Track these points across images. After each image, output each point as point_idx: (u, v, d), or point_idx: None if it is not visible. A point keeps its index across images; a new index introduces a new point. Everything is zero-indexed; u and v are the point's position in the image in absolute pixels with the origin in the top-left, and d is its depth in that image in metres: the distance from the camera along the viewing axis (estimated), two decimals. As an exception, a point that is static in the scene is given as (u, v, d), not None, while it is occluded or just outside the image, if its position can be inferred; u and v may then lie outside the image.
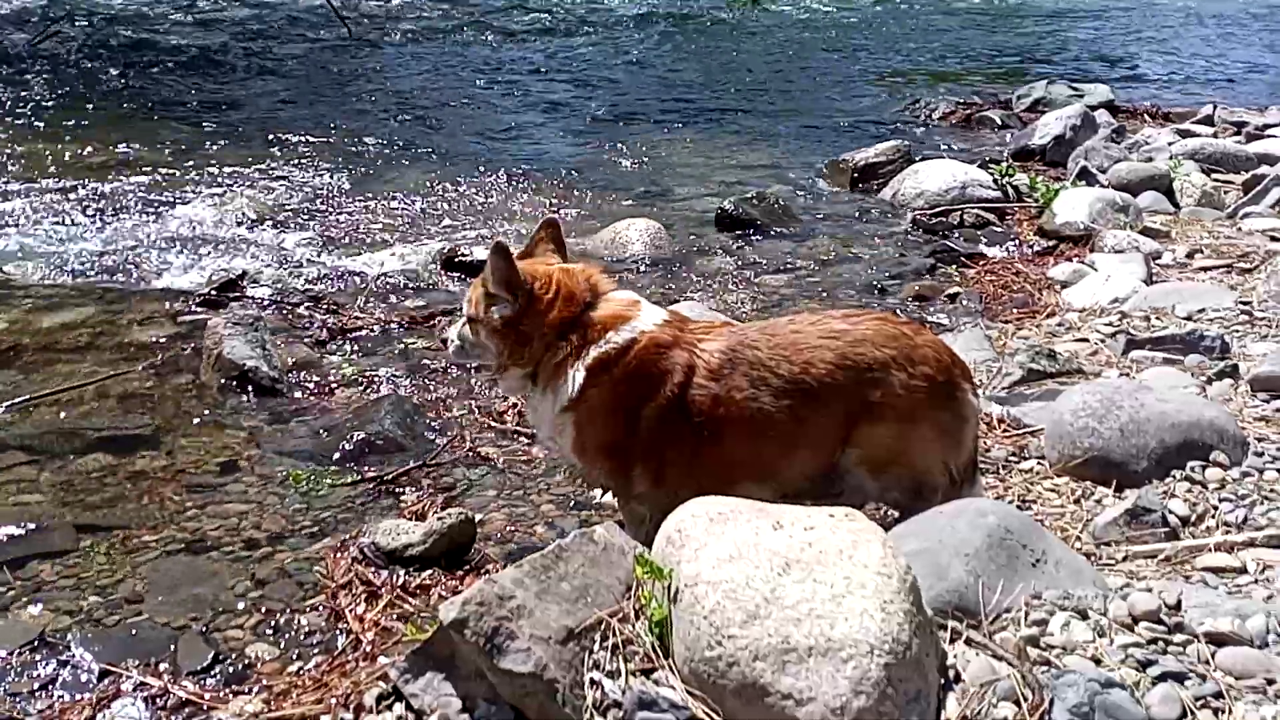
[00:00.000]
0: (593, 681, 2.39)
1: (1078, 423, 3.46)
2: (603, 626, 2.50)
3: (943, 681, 2.26)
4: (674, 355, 2.99)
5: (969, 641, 2.38)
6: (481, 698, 2.42)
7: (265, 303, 5.62)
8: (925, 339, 3.05)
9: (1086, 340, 4.81)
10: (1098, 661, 2.29)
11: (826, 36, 17.05)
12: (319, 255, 6.50)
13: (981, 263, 6.59)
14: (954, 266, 6.56)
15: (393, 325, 5.42)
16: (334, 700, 2.55)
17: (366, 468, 3.98)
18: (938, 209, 7.63)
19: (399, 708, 2.51)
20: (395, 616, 2.98)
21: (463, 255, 6.34)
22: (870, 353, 2.92)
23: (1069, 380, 4.25)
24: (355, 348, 5.16)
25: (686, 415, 2.96)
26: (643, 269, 6.44)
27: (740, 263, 6.61)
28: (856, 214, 7.74)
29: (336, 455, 4.06)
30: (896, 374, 2.91)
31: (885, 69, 14.28)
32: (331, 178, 8.28)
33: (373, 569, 3.20)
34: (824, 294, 6.08)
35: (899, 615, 2.23)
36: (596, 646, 2.47)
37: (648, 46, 15.56)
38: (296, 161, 8.62)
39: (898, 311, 5.69)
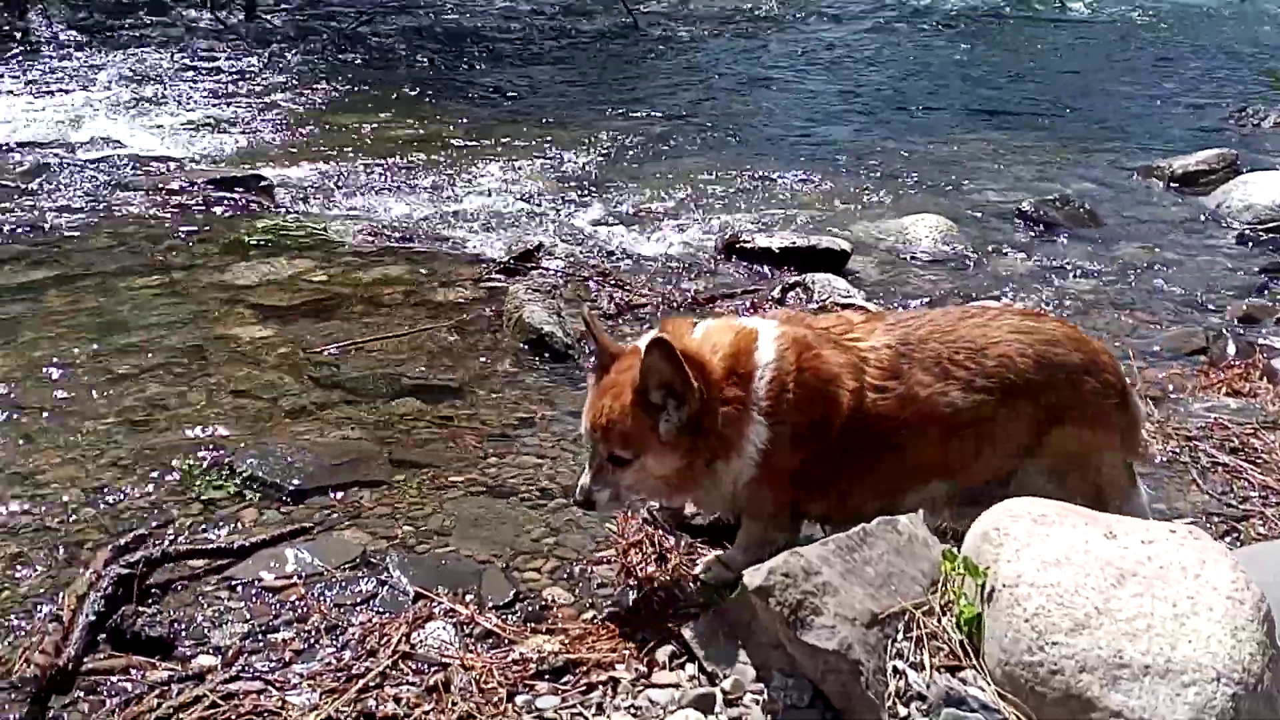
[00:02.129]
0: (896, 670, 2.31)
1: None
2: (906, 617, 2.42)
3: (1304, 728, 2.00)
4: (829, 354, 2.74)
5: (1339, 690, 2.08)
6: (777, 669, 2.39)
7: (558, 273, 5.87)
8: (1099, 344, 3.04)
9: None
10: None
11: (1141, 36, 15.68)
12: (606, 232, 6.72)
13: (1325, 286, 5.83)
14: (1289, 288, 5.84)
15: (674, 305, 5.50)
16: (628, 652, 2.60)
17: (652, 436, 4.04)
18: (1272, 224, 6.83)
19: (691, 668, 2.54)
20: (681, 580, 3.01)
21: (744, 242, 6.32)
22: (1066, 355, 2.83)
23: None
24: (640, 323, 5.28)
25: (867, 423, 2.71)
26: (932, 266, 6.19)
27: (1040, 265, 6.21)
28: (1171, 223, 7.06)
29: (623, 422, 4.15)
30: (1088, 379, 2.84)
31: (1205, 71, 12.95)
32: (618, 159, 8.57)
33: (660, 532, 3.24)
34: (1134, 304, 5.59)
35: (1251, 644, 2.06)
36: (900, 636, 2.39)
37: (949, 40, 14.94)
38: (585, 143, 8.96)
39: (1224, 331, 5.15)
